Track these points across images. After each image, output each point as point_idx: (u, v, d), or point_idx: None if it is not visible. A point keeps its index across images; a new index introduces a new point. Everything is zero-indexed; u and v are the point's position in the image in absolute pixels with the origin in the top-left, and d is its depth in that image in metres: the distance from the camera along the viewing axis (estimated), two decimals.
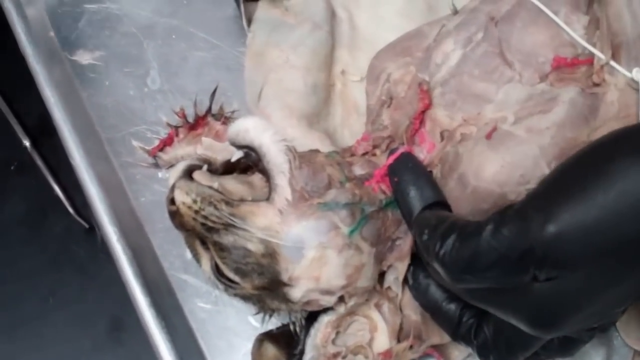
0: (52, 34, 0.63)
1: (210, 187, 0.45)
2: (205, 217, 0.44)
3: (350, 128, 0.59)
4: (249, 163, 0.47)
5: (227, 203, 0.44)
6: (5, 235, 0.58)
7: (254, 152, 0.46)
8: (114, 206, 0.55)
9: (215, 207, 0.44)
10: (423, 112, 0.49)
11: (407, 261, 0.48)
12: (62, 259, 0.58)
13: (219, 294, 0.55)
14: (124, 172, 0.59)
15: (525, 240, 0.35)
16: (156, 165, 0.58)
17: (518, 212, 0.36)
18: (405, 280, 0.49)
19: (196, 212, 0.44)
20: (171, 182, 0.46)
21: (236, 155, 0.47)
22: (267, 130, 0.46)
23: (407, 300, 0.50)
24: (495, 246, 0.35)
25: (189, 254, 0.54)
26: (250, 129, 0.46)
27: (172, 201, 0.45)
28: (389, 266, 0.49)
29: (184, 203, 0.45)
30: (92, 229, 0.56)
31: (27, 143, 0.57)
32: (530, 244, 0.35)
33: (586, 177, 0.35)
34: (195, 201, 0.44)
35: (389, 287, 0.49)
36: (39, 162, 0.57)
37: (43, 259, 0.58)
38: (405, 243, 0.48)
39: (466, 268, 0.37)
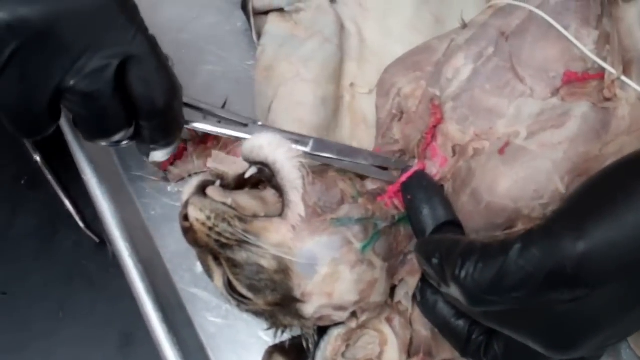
0: None
1: (224, 204, 0.45)
2: (219, 234, 0.44)
3: (359, 140, 0.59)
4: (263, 179, 0.47)
5: (241, 219, 0.44)
6: (16, 249, 0.58)
7: (267, 168, 0.46)
8: (125, 220, 0.55)
9: (229, 224, 0.44)
10: (435, 126, 0.49)
11: (418, 275, 0.48)
12: (73, 273, 0.58)
13: (229, 307, 0.55)
14: (134, 186, 0.59)
15: (556, 258, 0.34)
16: (166, 179, 0.59)
17: (547, 231, 0.36)
18: (414, 296, 0.49)
19: (210, 228, 0.44)
20: (184, 198, 0.46)
21: (250, 171, 0.47)
22: (281, 147, 0.46)
23: (418, 315, 0.49)
24: (523, 265, 0.35)
25: (199, 268, 0.54)
26: (264, 145, 0.46)
27: (185, 217, 0.45)
28: (400, 280, 0.49)
29: (197, 219, 0.45)
30: (103, 244, 0.56)
31: (37, 158, 0.57)
32: (560, 262, 0.34)
33: (616, 195, 0.35)
34: (209, 218, 0.44)
35: (400, 302, 0.49)
36: (50, 176, 0.56)
37: (54, 273, 0.58)
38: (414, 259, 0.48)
39: (490, 289, 0.36)
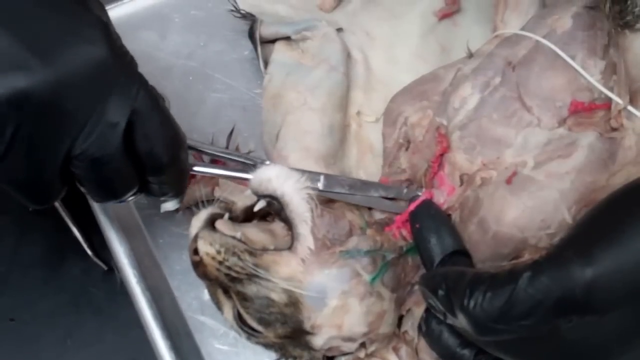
0: None
1: (234, 237, 0.45)
2: (229, 268, 0.44)
3: (366, 169, 0.59)
4: (271, 212, 0.48)
5: (251, 253, 0.45)
6: (24, 276, 0.58)
7: (276, 201, 0.46)
8: (133, 248, 0.55)
9: (239, 258, 0.44)
10: (441, 155, 0.49)
11: (423, 306, 0.48)
12: (80, 300, 0.58)
13: (236, 335, 0.55)
14: (141, 214, 0.59)
15: (565, 285, 0.35)
16: None
17: (555, 258, 0.36)
18: (419, 327, 0.49)
19: (220, 262, 0.44)
20: (193, 231, 0.47)
21: (259, 204, 0.47)
22: (289, 179, 0.46)
23: (423, 344, 0.49)
24: (532, 293, 0.35)
25: (206, 295, 0.54)
26: (272, 178, 0.46)
27: (195, 251, 0.45)
28: (408, 310, 0.49)
29: (207, 254, 0.45)
30: (111, 271, 0.56)
31: None
32: (570, 289, 0.34)
33: (622, 221, 0.35)
34: (219, 252, 0.44)
35: (407, 331, 0.49)
36: (57, 204, 0.57)
37: (61, 300, 0.58)
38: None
39: (500, 317, 0.36)
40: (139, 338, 0.53)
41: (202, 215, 0.47)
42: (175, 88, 0.64)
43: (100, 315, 0.58)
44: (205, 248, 0.45)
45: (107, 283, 0.58)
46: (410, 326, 0.49)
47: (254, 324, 0.45)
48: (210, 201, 0.58)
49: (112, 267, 0.56)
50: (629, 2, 0.42)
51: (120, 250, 0.54)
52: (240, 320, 0.46)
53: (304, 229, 0.45)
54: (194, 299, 0.56)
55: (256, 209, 0.48)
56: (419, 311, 0.48)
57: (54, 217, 0.60)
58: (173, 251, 0.58)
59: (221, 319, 0.53)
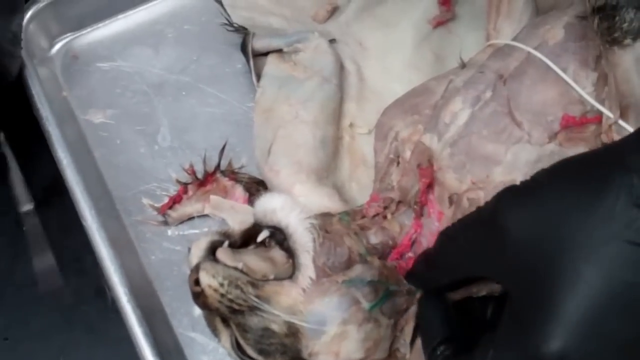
0: (65, 93, 0.64)
1: (236, 268, 0.45)
2: (231, 300, 0.44)
3: (358, 181, 0.58)
4: (274, 242, 0.47)
5: (253, 285, 0.44)
6: (18, 295, 0.59)
7: (280, 232, 0.46)
8: (124, 266, 0.54)
9: (242, 290, 0.44)
10: (425, 189, 0.48)
11: (412, 323, 0.48)
12: (73, 318, 0.58)
13: (225, 351, 0.55)
14: (134, 231, 0.59)
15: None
16: (165, 223, 0.59)
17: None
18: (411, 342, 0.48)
19: (222, 295, 0.44)
20: (194, 261, 0.46)
21: (262, 234, 0.47)
22: (293, 210, 0.46)
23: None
24: None
25: (196, 311, 0.54)
26: (277, 209, 0.46)
27: (196, 281, 0.45)
28: (401, 330, 0.49)
29: (210, 286, 0.44)
30: (103, 289, 0.57)
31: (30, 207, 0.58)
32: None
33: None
34: (222, 284, 0.44)
35: (397, 349, 0.49)
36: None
37: (54, 319, 0.58)
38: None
39: None
40: (131, 355, 0.53)
41: (202, 244, 0.47)
42: (168, 104, 0.64)
43: (93, 333, 0.57)
44: (208, 280, 0.44)
45: (99, 301, 0.58)
46: (401, 344, 0.48)
47: (254, 354, 0.45)
48: (202, 217, 0.59)
49: (102, 286, 0.56)
50: (617, 19, 0.41)
51: (112, 269, 0.54)
52: (239, 349, 0.46)
53: (306, 259, 0.45)
54: (185, 315, 0.56)
55: (259, 239, 0.47)
56: (408, 328, 0.48)
57: (47, 237, 0.60)
58: (164, 268, 0.57)
59: (210, 334, 0.53)
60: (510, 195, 0.36)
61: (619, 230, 0.31)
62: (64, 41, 0.66)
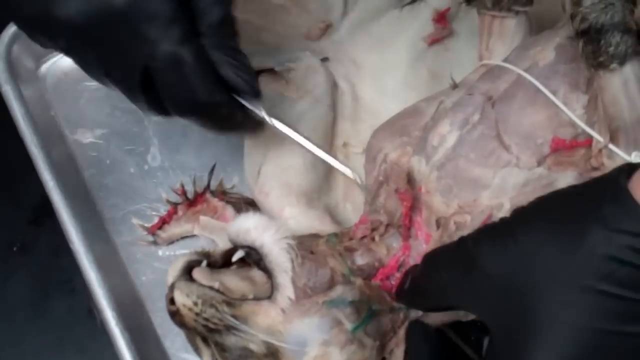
0: (53, 113, 0.63)
1: (211, 288, 0.44)
2: (207, 319, 0.44)
3: (353, 201, 0.58)
4: (250, 262, 0.47)
5: (229, 304, 0.44)
6: (9, 316, 0.59)
7: (255, 252, 0.46)
8: (114, 287, 0.54)
9: (217, 309, 0.43)
10: (408, 212, 0.48)
11: (402, 346, 0.47)
12: (65, 339, 0.58)
13: None
14: (124, 252, 0.58)
15: None
16: (155, 243, 0.58)
17: None
18: None
19: (197, 314, 0.44)
20: (170, 280, 0.46)
21: (237, 255, 0.47)
22: (267, 230, 0.46)
23: None
24: None
25: None
26: (251, 229, 0.46)
27: (172, 301, 0.45)
28: (390, 352, 0.48)
29: (184, 305, 0.44)
30: (91, 311, 0.57)
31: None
32: None
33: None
34: (195, 303, 0.44)
35: None
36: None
37: (46, 340, 0.58)
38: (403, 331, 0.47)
39: None
40: None
41: (178, 264, 0.46)
42: (158, 123, 0.63)
43: (85, 354, 0.57)
44: (182, 299, 0.44)
45: (91, 322, 0.58)
46: None
47: None
48: (193, 237, 0.59)
49: (91, 308, 0.56)
50: (602, 42, 0.41)
51: (100, 293, 0.53)
52: None
53: (284, 279, 0.45)
54: (178, 335, 0.55)
55: (234, 259, 0.47)
56: (399, 351, 0.47)
57: (39, 258, 0.60)
58: (155, 288, 0.57)
59: None
60: (489, 234, 0.35)
61: (595, 281, 0.31)
62: (51, 60, 0.66)
